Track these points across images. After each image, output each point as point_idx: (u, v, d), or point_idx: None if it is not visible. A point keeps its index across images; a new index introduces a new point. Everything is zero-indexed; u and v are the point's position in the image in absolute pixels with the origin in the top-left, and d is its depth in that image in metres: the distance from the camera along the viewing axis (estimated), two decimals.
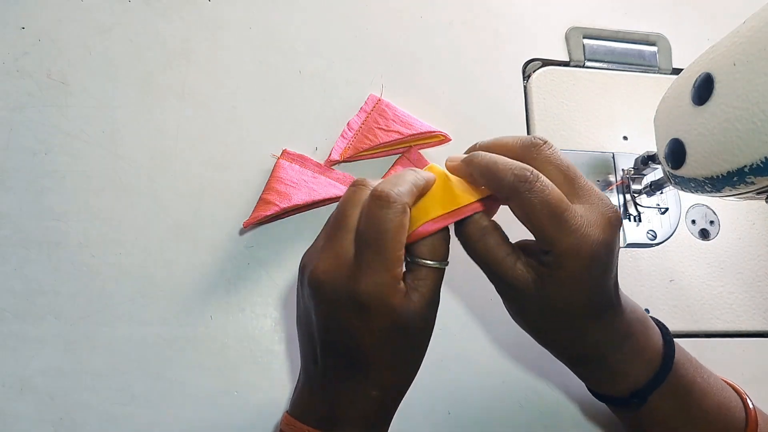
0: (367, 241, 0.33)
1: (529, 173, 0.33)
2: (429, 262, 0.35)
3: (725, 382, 0.42)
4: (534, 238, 0.35)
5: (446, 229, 0.36)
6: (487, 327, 0.50)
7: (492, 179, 0.34)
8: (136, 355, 0.46)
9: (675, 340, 0.39)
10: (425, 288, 0.35)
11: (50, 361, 0.45)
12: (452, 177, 0.36)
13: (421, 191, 0.35)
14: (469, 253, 0.37)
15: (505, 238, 0.37)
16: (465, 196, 0.35)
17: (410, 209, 0.34)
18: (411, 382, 0.38)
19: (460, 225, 0.36)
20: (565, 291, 0.34)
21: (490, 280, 0.38)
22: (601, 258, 0.33)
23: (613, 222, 0.34)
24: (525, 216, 0.33)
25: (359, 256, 0.33)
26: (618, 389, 0.39)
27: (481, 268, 0.37)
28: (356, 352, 0.35)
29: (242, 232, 0.50)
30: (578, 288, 0.34)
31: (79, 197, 0.50)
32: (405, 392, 0.39)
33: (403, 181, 0.34)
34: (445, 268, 0.36)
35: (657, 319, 0.41)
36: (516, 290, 0.35)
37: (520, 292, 0.35)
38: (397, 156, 0.54)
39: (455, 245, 0.37)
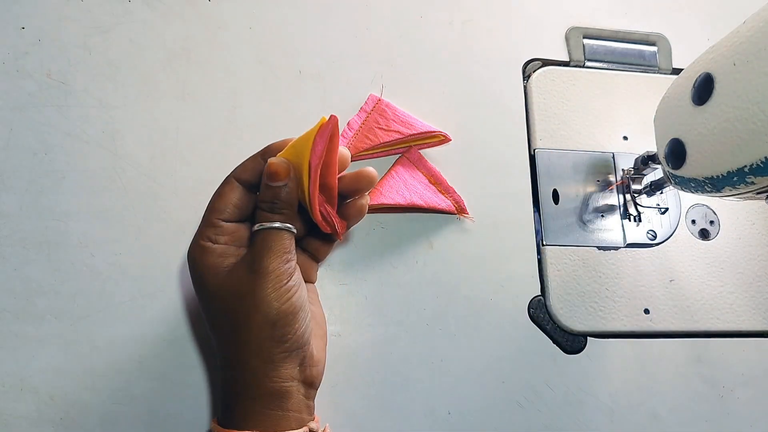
0: None
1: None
2: (254, 226, 0.38)
3: None
4: None
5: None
6: (487, 327, 0.50)
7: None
8: (136, 355, 0.46)
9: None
10: (251, 253, 0.37)
11: (50, 361, 0.45)
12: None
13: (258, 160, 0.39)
14: None
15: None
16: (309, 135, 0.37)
17: (239, 179, 0.39)
18: (239, 356, 0.37)
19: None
20: None
21: None
22: None
23: None
24: None
25: None
26: None
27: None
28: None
29: None
30: None
31: (79, 197, 0.50)
32: (244, 370, 0.37)
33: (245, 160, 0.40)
34: (266, 230, 0.38)
35: None
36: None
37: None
38: (398, 156, 0.54)
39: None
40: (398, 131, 0.52)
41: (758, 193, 0.36)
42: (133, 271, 0.48)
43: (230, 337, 0.37)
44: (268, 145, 0.40)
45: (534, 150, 0.57)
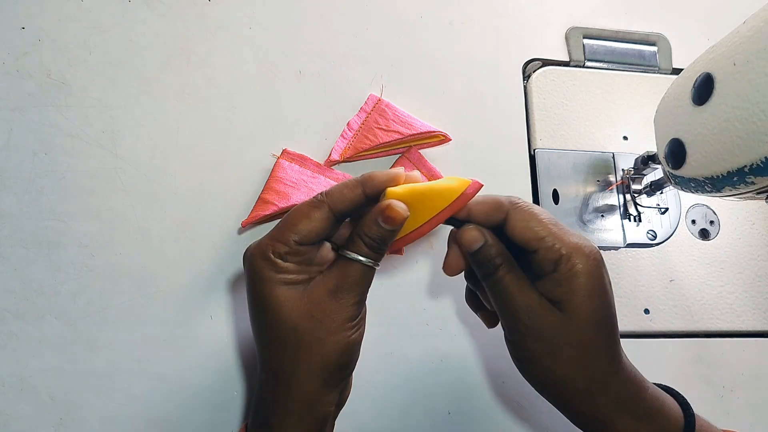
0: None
1: (518, 198, 0.37)
2: (342, 250, 0.37)
3: None
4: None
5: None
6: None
7: (491, 203, 0.37)
8: (137, 355, 0.46)
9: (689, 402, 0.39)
10: (335, 278, 0.36)
11: (50, 361, 0.45)
12: (431, 184, 0.37)
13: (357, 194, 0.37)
14: (488, 288, 0.38)
15: (519, 271, 0.37)
16: (450, 192, 0.36)
17: (332, 209, 0.36)
18: (301, 373, 0.36)
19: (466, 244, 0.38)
20: (583, 307, 0.35)
21: (504, 322, 0.38)
22: (603, 272, 0.35)
23: (598, 257, 0.36)
24: (524, 225, 0.35)
25: None
26: None
27: (498, 308, 0.38)
28: (250, 317, 0.38)
29: (241, 231, 0.50)
30: (594, 302, 0.35)
31: (79, 197, 0.50)
32: (305, 385, 0.36)
33: (340, 184, 0.37)
34: (356, 262, 0.36)
35: (676, 391, 0.40)
36: (536, 325, 0.35)
37: (540, 326, 0.35)
38: (397, 156, 0.54)
39: (446, 247, 0.37)
40: (398, 131, 0.52)
41: (758, 193, 0.36)
42: (133, 271, 0.48)
43: (290, 353, 0.36)
44: (370, 175, 0.37)
45: (534, 150, 0.57)
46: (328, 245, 0.39)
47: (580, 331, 0.35)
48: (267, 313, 0.36)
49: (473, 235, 0.37)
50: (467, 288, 0.43)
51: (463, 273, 0.41)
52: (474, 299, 0.43)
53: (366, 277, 0.37)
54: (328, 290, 0.36)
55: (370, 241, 0.36)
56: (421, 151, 0.54)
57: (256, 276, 0.36)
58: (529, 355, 0.36)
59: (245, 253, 0.37)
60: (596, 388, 0.36)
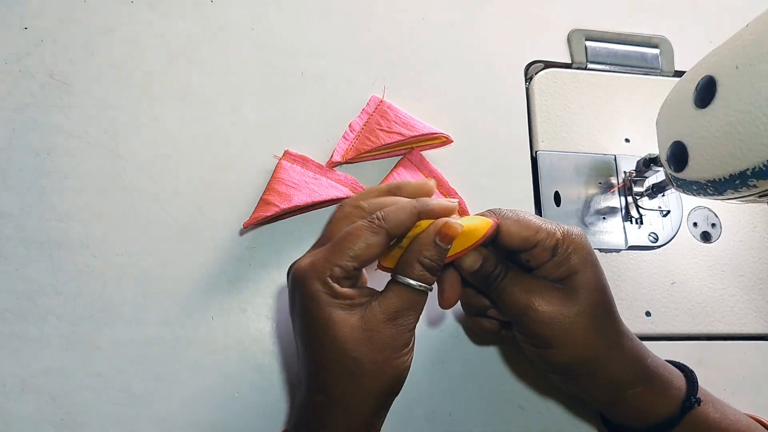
0: (332, 239, 0.37)
1: (495, 208, 0.41)
2: (400, 277, 0.37)
3: (756, 419, 0.42)
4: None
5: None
6: None
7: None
8: (138, 356, 0.46)
9: (682, 358, 0.42)
10: (394, 304, 0.36)
11: (51, 362, 0.45)
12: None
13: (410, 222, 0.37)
14: (502, 303, 0.40)
15: (517, 269, 0.40)
16: (475, 232, 0.38)
17: (390, 235, 0.36)
18: (362, 399, 0.36)
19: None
20: (587, 276, 0.38)
21: (517, 320, 0.39)
22: (589, 243, 0.40)
23: (582, 232, 0.39)
24: (517, 228, 0.38)
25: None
26: (638, 423, 0.40)
27: (508, 308, 0.39)
28: (298, 340, 0.38)
29: (243, 232, 0.50)
30: (593, 270, 0.38)
31: (80, 198, 0.50)
32: (363, 409, 0.36)
33: (396, 208, 0.37)
34: (413, 288, 0.36)
35: (680, 363, 0.43)
36: (548, 308, 0.38)
37: (552, 307, 0.38)
38: (399, 157, 0.54)
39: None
40: (400, 133, 0.52)
41: (760, 197, 0.36)
42: (135, 272, 0.48)
43: (351, 380, 0.35)
44: (428, 205, 0.37)
45: (536, 152, 0.57)
46: None
47: (589, 297, 0.38)
48: (325, 338, 0.35)
49: (473, 258, 0.38)
50: (466, 305, 0.44)
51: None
52: (476, 309, 0.44)
53: (422, 303, 0.37)
54: (387, 317, 0.36)
55: (429, 263, 0.36)
56: (423, 152, 0.54)
57: (312, 300, 0.35)
58: (547, 340, 0.38)
59: (295, 272, 0.37)
60: (610, 349, 0.39)
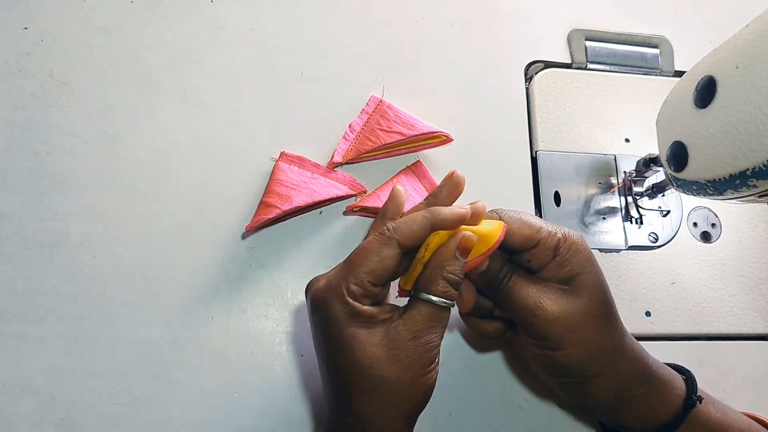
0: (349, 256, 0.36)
1: (498, 208, 0.41)
2: (423, 294, 0.36)
3: (756, 418, 0.42)
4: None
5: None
6: None
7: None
8: (138, 356, 0.46)
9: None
10: (419, 323, 0.36)
11: (51, 362, 0.45)
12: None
13: (425, 231, 0.37)
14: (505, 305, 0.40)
15: (521, 270, 0.40)
16: (489, 238, 0.38)
17: (402, 246, 0.36)
18: (392, 418, 0.36)
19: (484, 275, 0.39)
20: (589, 276, 0.38)
21: (523, 321, 0.39)
22: (586, 243, 0.40)
23: (577, 233, 0.40)
24: (519, 227, 0.38)
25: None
26: (642, 425, 0.40)
27: (514, 310, 0.39)
28: (322, 362, 0.38)
29: (244, 233, 0.50)
30: (594, 269, 0.39)
31: (80, 198, 0.50)
32: (393, 429, 0.36)
33: (407, 218, 0.37)
34: (436, 304, 0.36)
35: (676, 364, 0.43)
36: (554, 307, 0.38)
37: (559, 306, 0.38)
38: (399, 156, 0.54)
39: None
40: (400, 132, 0.52)
41: (760, 197, 0.36)
42: (135, 272, 0.48)
43: (380, 400, 0.35)
44: (439, 212, 0.37)
45: (536, 152, 0.57)
46: None
47: (593, 297, 0.38)
48: (350, 358, 0.35)
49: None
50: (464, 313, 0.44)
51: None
52: (480, 311, 0.44)
53: (446, 319, 0.37)
54: (412, 334, 0.35)
55: (453, 278, 0.36)
56: (423, 151, 0.54)
57: (332, 320, 0.35)
58: (557, 340, 0.38)
59: (313, 294, 0.36)
60: (615, 349, 0.39)
